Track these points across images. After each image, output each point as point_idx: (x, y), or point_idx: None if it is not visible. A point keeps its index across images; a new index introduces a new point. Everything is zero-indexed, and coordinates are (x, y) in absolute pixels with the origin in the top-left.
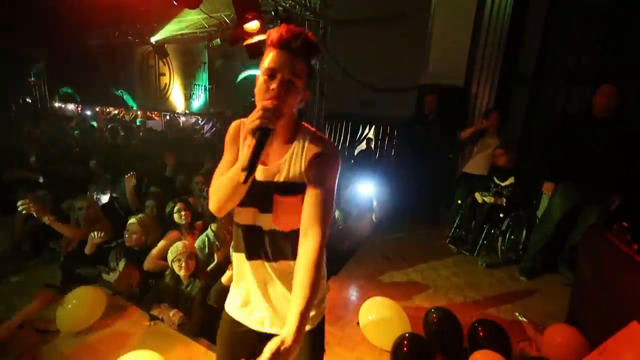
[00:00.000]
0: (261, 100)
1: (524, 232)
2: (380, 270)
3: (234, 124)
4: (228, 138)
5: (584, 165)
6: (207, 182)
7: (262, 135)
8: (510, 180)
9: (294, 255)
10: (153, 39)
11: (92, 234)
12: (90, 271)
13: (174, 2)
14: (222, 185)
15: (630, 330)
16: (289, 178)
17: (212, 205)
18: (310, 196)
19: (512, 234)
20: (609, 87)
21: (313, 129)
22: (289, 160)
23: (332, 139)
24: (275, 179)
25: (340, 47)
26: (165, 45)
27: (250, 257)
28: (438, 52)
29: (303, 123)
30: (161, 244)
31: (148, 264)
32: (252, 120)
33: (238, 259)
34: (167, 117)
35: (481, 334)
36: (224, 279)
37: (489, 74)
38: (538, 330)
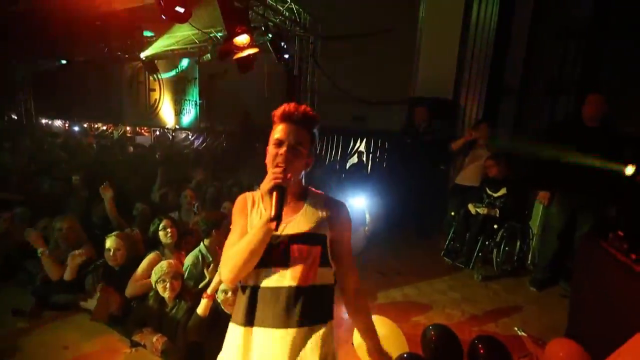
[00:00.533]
0: (272, 167)
1: (518, 243)
2: (375, 286)
3: (240, 198)
4: (236, 210)
5: (578, 174)
6: (197, 196)
7: (280, 190)
8: (503, 190)
9: (304, 321)
10: (143, 55)
11: (72, 254)
12: (66, 298)
13: (163, 16)
14: (241, 249)
15: (635, 342)
16: (306, 230)
17: (227, 274)
18: (340, 250)
19: (507, 245)
20: (598, 97)
21: (320, 192)
22: (303, 215)
23: (323, 153)
24: (292, 232)
25: (330, 62)
26: (156, 61)
27: (253, 324)
28: (426, 66)
29: (309, 187)
30: (141, 267)
31: (130, 290)
32: (267, 183)
33: (234, 330)
34: (157, 133)
35: (481, 351)
36: (199, 310)
37: (476, 86)
38: (538, 344)
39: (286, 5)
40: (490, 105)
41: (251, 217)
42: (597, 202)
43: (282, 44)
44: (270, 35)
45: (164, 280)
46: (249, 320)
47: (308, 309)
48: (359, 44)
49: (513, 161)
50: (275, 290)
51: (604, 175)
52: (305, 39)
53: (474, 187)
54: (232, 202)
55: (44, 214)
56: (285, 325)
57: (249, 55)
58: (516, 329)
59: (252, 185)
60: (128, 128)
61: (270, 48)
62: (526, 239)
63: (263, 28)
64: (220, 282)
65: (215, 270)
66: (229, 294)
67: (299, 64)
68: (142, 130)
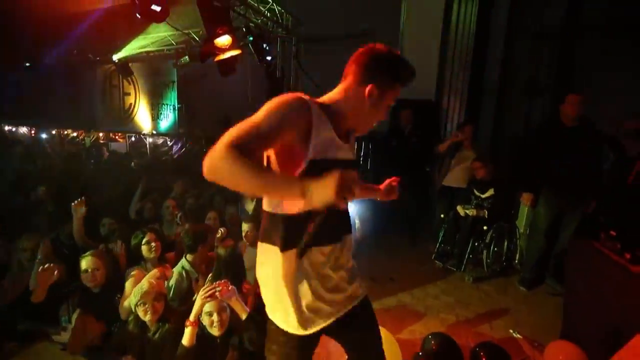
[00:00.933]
0: (375, 115)
1: (506, 243)
2: (368, 293)
3: (298, 97)
4: (287, 107)
5: (562, 173)
6: (179, 206)
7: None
8: (490, 191)
9: (349, 230)
10: (115, 57)
11: (41, 268)
12: (35, 326)
13: (138, 15)
14: (257, 174)
15: (636, 343)
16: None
17: (215, 165)
18: None
19: (496, 246)
20: (577, 97)
21: None
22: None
23: None
24: (350, 158)
25: (312, 64)
26: (130, 64)
27: (331, 242)
28: None
29: None
30: (127, 290)
31: (124, 313)
32: (340, 191)
33: (310, 254)
34: (133, 139)
35: (484, 359)
36: (185, 341)
37: (457, 87)
38: (535, 347)
39: (267, 6)
40: (472, 106)
41: (318, 133)
42: (583, 202)
43: (265, 45)
44: (250, 37)
45: (144, 303)
46: (311, 243)
47: (351, 222)
48: (342, 45)
49: (497, 162)
50: (339, 212)
51: (588, 174)
52: (288, 41)
53: (462, 188)
54: (216, 211)
55: (3, 233)
56: (345, 235)
57: (230, 57)
58: (511, 331)
59: (236, 195)
60: (101, 134)
61: (252, 50)
62: (513, 238)
63: (244, 29)
64: (202, 306)
65: (201, 286)
66: (214, 315)
67: (282, 65)
68: (117, 136)
